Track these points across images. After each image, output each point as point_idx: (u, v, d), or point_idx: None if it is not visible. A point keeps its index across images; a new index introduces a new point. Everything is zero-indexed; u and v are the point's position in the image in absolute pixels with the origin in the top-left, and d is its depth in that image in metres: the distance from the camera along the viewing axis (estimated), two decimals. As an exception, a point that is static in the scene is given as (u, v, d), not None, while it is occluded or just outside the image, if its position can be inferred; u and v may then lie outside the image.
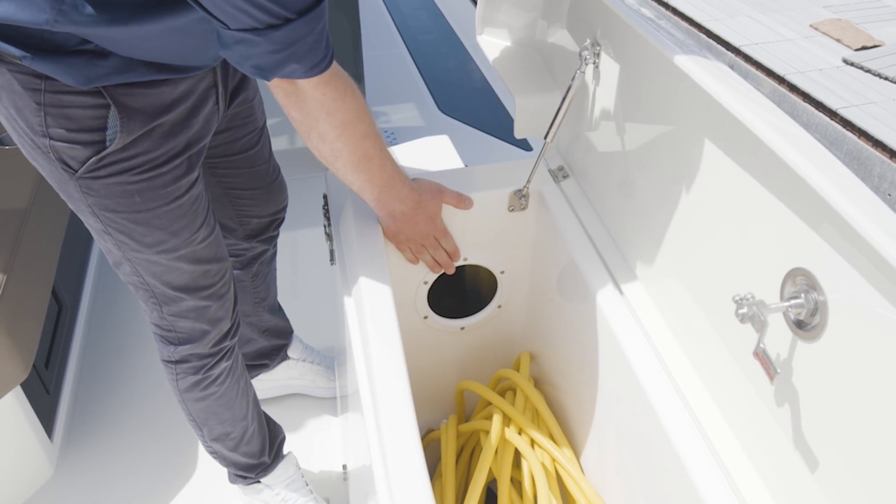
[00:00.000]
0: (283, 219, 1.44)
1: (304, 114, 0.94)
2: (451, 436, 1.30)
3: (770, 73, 4.80)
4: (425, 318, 1.36)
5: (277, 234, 1.47)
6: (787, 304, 0.73)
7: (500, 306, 1.41)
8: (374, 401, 0.87)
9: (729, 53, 5.18)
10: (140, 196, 0.99)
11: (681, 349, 0.99)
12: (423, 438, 1.48)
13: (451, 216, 1.26)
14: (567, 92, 1.13)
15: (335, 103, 0.93)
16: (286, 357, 1.75)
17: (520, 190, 1.25)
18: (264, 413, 1.49)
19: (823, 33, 5.19)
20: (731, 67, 5.14)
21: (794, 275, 0.74)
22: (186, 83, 1.00)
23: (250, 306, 1.60)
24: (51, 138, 0.90)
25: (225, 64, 1.09)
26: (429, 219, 1.20)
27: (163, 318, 1.18)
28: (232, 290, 1.23)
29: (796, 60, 4.84)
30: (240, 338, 1.58)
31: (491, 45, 1.44)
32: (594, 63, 1.11)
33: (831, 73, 4.69)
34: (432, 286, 1.34)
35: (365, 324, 0.98)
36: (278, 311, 1.67)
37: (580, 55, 1.11)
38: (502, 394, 1.36)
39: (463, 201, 1.23)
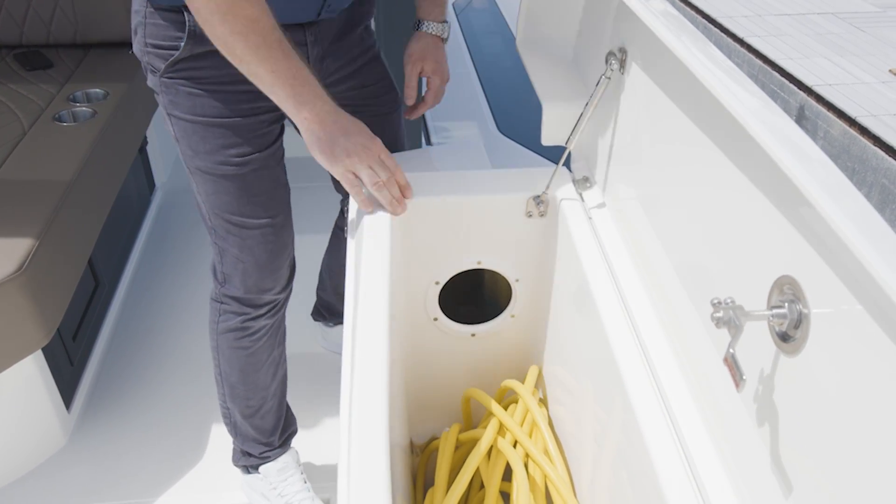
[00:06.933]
0: None
1: None
2: (449, 445, 1.26)
3: (841, 114, 4.62)
4: (435, 319, 1.33)
5: None
6: (768, 312, 0.67)
7: (513, 316, 1.37)
8: (350, 409, 0.85)
9: (800, 93, 5.01)
10: (202, 103, 1.13)
11: (682, 377, 0.94)
12: (426, 447, 1.45)
13: (465, 217, 1.23)
14: (590, 97, 1.09)
15: None
16: (342, 322, 1.83)
17: (538, 196, 1.21)
18: (287, 403, 1.51)
19: (903, 78, 4.96)
20: (802, 107, 4.92)
21: (781, 283, 0.68)
22: None
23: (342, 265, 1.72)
24: (145, 47, 1.13)
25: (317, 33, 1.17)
26: (362, 132, 1.08)
27: (214, 247, 1.27)
28: (281, 245, 1.27)
29: (870, 104, 4.65)
30: (321, 282, 1.77)
31: (529, 52, 1.42)
32: (619, 69, 1.08)
33: (907, 120, 4.47)
34: (448, 290, 1.31)
35: (356, 329, 0.96)
36: None
37: (606, 60, 1.07)
38: (508, 406, 1.32)
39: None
